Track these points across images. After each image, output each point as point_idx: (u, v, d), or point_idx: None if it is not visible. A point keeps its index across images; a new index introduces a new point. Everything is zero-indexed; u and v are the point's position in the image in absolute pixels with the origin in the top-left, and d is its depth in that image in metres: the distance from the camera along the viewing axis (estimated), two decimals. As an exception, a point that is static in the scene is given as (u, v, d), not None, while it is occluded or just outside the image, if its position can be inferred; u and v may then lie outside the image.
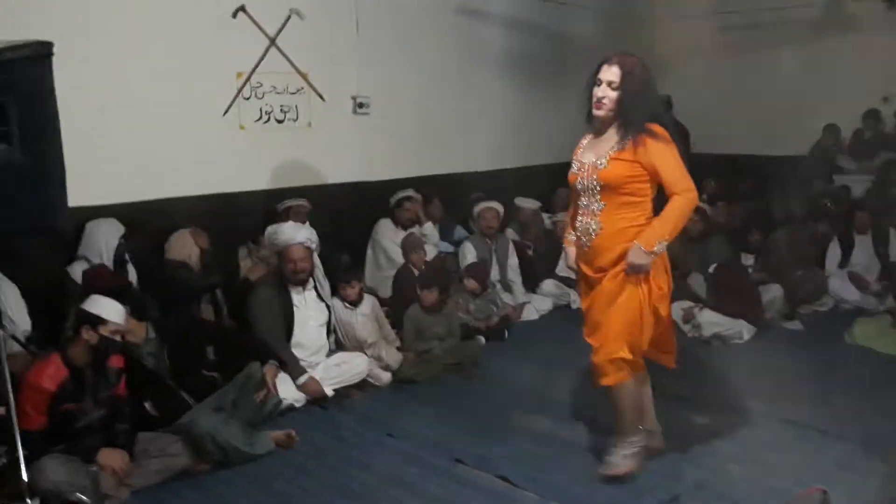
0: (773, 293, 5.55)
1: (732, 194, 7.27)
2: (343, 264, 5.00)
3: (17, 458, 2.97)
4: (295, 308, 4.22)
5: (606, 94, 2.98)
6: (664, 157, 2.98)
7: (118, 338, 3.24)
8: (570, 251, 3.32)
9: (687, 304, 5.44)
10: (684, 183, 3.00)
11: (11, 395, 3.03)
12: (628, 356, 3.10)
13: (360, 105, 5.74)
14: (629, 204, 3.04)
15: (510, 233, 6.26)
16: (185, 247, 4.50)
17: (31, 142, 2.91)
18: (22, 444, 3.00)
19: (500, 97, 6.88)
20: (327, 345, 4.36)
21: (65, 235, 3.96)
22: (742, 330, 5.19)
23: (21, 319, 3.79)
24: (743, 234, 6.23)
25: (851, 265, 6.01)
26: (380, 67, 5.88)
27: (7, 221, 2.93)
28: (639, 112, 2.98)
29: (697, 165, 7.38)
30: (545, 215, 6.69)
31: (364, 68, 5.75)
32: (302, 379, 4.01)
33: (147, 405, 3.57)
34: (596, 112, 3.02)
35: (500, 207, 5.81)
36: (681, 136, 7.86)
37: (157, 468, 3.30)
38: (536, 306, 5.87)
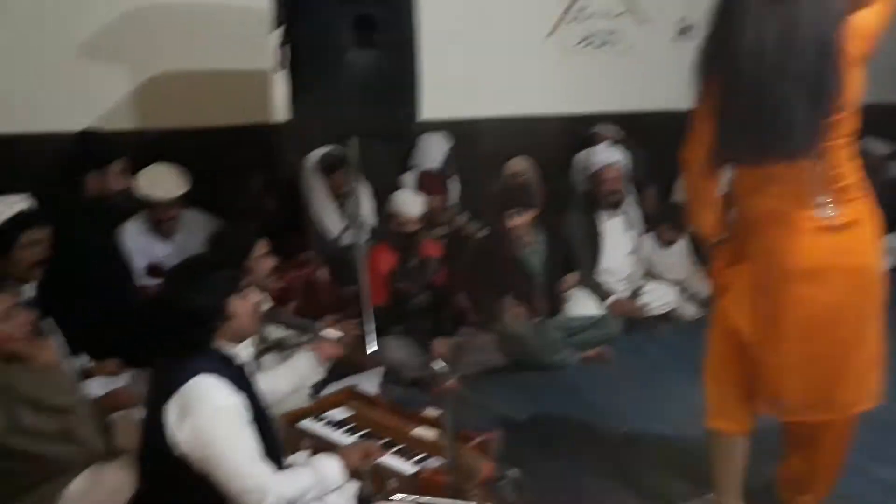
0: None
1: None
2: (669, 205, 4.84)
3: (365, 332, 3.45)
4: (603, 233, 4.24)
5: None
6: None
7: (414, 228, 3.65)
8: None
9: None
10: None
11: (364, 278, 3.51)
12: None
13: (685, 29, 5.45)
14: None
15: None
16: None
17: (395, 51, 3.21)
18: (370, 319, 3.47)
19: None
20: (633, 274, 4.35)
21: (412, 142, 4.38)
22: None
23: (369, 216, 4.28)
24: None
25: None
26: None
27: (370, 124, 3.32)
28: None
29: None
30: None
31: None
32: (609, 300, 4.06)
33: (509, 298, 3.80)
34: None
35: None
36: None
37: (475, 360, 3.60)
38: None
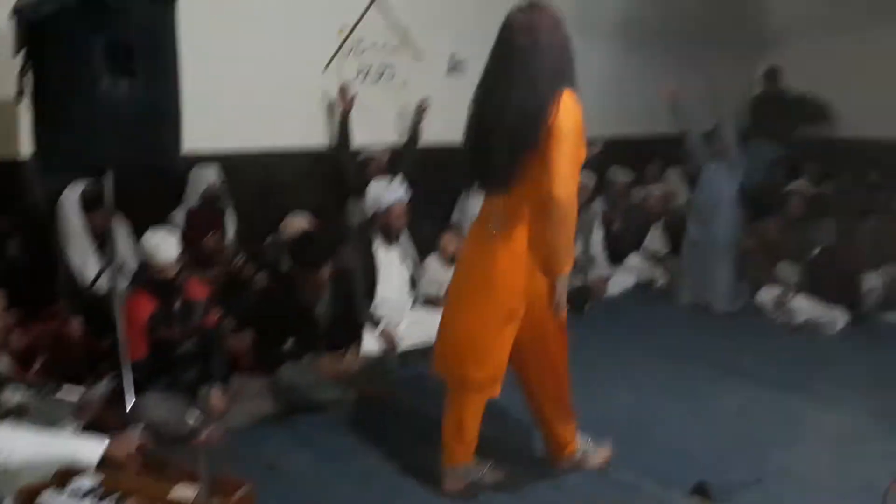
0: (872, 282, 5.31)
1: (836, 178, 6.96)
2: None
3: (124, 388, 3.20)
4: (379, 265, 4.29)
5: None
6: None
7: (171, 274, 3.35)
8: None
9: (777, 289, 5.30)
10: None
11: (121, 327, 3.26)
12: None
13: (456, 66, 5.72)
14: None
15: (598, 205, 6.14)
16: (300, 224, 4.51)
17: (154, 80, 3.02)
18: (128, 374, 3.22)
19: (598, 62, 6.68)
20: (410, 302, 4.44)
21: (177, 177, 4.16)
22: (836, 318, 5.01)
23: (129, 258, 4.00)
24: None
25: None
26: (479, 29, 5.75)
27: (125, 158, 3.09)
28: None
29: (801, 144, 7.29)
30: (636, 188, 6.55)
31: (462, 29, 5.70)
32: (379, 328, 4.13)
33: (289, 342, 3.72)
34: None
35: (589, 180, 5.71)
36: (796, 112, 7.52)
37: (251, 410, 3.46)
38: (619, 281, 5.80)
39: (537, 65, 2.52)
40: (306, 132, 5.06)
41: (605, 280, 5.70)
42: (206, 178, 4.43)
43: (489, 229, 2.69)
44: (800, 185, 6.04)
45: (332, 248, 3.96)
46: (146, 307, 3.33)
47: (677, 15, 7.15)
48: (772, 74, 7.70)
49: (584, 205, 5.65)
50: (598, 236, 5.86)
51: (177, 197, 4.46)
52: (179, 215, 4.34)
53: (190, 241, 4.00)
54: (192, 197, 4.41)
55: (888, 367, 4.38)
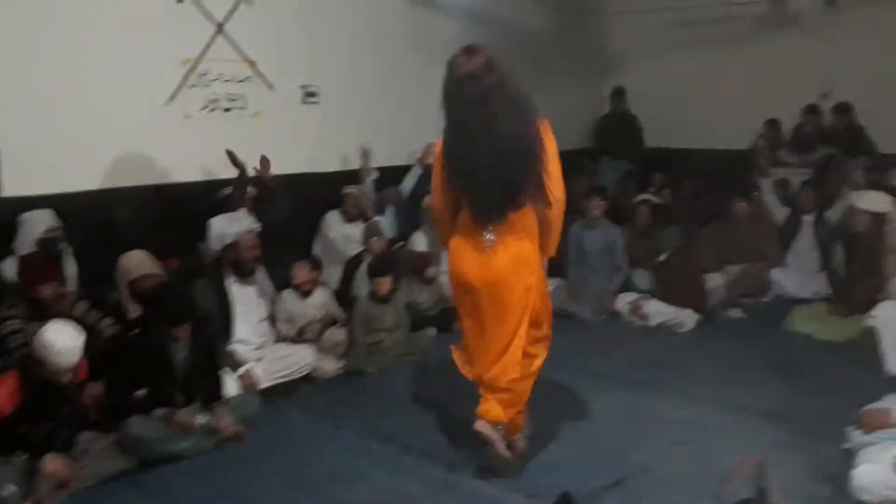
0: (715, 282, 5.67)
1: (678, 188, 7.42)
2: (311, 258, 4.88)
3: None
4: (233, 304, 4.11)
5: None
6: None
7: (66, 379, 3.09)
8: None
9: (633, 296, 5.55)
10: None
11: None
12: None
13: (310, 94, 5.67)
14: None
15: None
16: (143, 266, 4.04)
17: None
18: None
19: (438, 84, 6.82)
20: (270, 337, 4.30)
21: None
22: (686, 319, 5.31)
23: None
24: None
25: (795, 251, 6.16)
26: (330, 56, 5.81)
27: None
28: None
29: (647, 158, 7.74)
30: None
31: (314, 57, 5.68)
32: (240, 371, 3.97)
33: (142, 392, 3.49)
34: None
35: None
36: (634, 129, 8.03)
37: (98, 469, 3.21)
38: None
39: (511, 95, 2.84)
40: (148, 168, 4.84)
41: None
42: (40, 222, 4.12)
43: (485, 242, 2.96)
44: (646, 196, 6.37)
45: (192, 301, 3.73)
46: (11, 397, 3.00)
47: (522, 38, 7.43)
48: (617, 94, 8.13)
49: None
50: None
51: (6, 244, 4.12)
52: (11, 264, 4.01)
53: (26, 290, 3.72)
54: (25, 243, 4.09)
55: (733, 362, 4.67)
